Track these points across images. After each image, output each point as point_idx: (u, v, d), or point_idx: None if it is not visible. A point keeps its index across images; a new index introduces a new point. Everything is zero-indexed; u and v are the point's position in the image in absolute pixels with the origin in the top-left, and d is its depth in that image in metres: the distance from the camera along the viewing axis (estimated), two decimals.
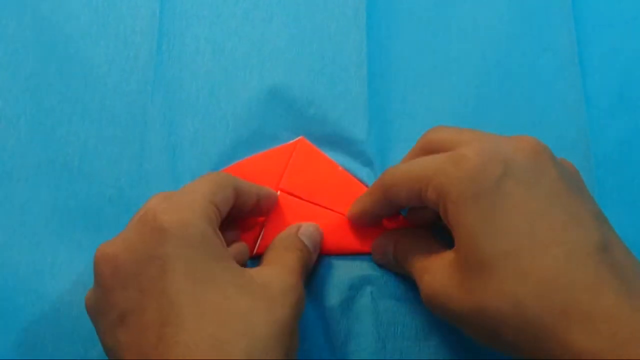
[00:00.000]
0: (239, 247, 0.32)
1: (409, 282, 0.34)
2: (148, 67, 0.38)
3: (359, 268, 0.34)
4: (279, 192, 0.35)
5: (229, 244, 0.31)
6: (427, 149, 0.30)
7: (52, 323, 0.33)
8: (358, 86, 0.38)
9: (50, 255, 0.34)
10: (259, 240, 0.34)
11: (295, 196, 0.35)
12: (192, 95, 0.38)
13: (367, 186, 0.36)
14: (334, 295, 0.34)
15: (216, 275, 0.25)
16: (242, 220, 0.34)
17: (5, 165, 0.36)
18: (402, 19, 0.40)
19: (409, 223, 0.34)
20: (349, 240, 0.35)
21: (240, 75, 0.38)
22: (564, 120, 0.37)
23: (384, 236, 0.33)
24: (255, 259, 0.34)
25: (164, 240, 0.25)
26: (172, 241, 0.25)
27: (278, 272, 0.28)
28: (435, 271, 0.28)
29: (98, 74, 0.38)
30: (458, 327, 0.28)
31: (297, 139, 0.37)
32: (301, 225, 0.33)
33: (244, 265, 0.32)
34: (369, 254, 0.34)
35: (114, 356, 0.26)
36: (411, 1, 0.40)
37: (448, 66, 0.39)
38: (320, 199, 0.35)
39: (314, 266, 0.34)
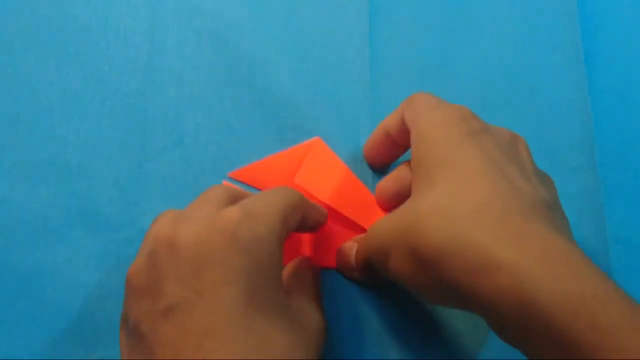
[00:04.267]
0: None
1: None
2: (148, 67, 0.38)
3: None
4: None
5: None
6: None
7: (52, 327, 0.32)
8: (361, 90, 0.38)
9: (50, 256, 0.34)
10: None
11: (308, 192, 0.34)
12: (194, 94, 0.37)
13: (373, 194, 0.35)
14: (338, 299, 0.33)
15: (271, 302, 0.24)
16: None
17: (5, 164, 0.35)
18: (405, 21, 0.40)
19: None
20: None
21: (244, 76, 0.38)
22: (569, 120, 0.38)
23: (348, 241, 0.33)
24: None
25: (235, 249, 0.24)
26: (242, 252, 0.24)
27: (311, 308, 0.28)
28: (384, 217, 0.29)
29: (98, 74, 0.37)
30: (387, 270, 0.27)
31: (313, 138, 0.37)
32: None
33: None
34: None
35: (142, 342, 0.24)
36: (414, 3, 0.40)
37: (452, 67, 0.39)
38: (331, 200, 0.35)
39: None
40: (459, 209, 0.24)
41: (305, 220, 0.30)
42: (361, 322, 0.33)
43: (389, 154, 0.34)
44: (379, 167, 0.36)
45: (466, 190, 0.25)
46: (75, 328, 0.32)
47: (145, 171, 0.36)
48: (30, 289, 0.33)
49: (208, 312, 0.23)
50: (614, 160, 0.37)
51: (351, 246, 0.33)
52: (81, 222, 0.34)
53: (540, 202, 0.25)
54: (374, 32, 0.39)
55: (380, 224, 0.28)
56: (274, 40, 0.39)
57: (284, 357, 0.23)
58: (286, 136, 0.37)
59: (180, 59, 0.38)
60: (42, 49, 0.38)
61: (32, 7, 0.39)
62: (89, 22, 0.39)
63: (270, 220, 0.26)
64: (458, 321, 0.33)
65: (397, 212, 0.27)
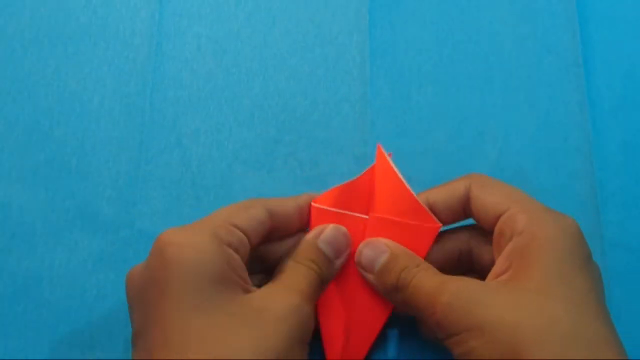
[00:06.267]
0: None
1: None
2: (147, 69, 0.38)
3: None
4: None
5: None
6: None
7: (50, 328, 0.33)
8: (360, 88, 0.38)
9: (48, 257, 0.34)
10: None
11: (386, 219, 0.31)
12: (192, 96, 0.37)
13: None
14: None
15: (209, 301, 0.25)
16: None
17: (3, 165, 0.35)
18: (405, 20, 0.40)
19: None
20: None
21: (243, 79, 0.38)
22: (567, 122, 0.38)
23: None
24: None
25: (165, 264, 0.25)
26: (172, 265, 0.25)
27: (280, 294, 0.27)
28: (471, 281, 0.27)
29: (97, 75, 0.38)
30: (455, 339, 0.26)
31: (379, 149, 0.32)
32: (323, 230, 0.30)
33: None
34: None
35: None
36: (414, 2, 0.40)
37: (451, 67, 0.39)
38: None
39: None
40: (578, 335, 0.25)
41: (278, 214, 0.29)
42: None
43: None
44: None
45: (584, 317, 0.25)
46: (73, 329, 0.33)
47: (144, 173, 0.36)
48: (29, 290, 0.33)
49: (156, 329, 0.25)
50: (611, 164, 0.37)
51: (384, 251, 0.30)
52: (79, 224, 0.34)
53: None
54: (374, 33, 0.39)
55: (462, 291, 0.27)
56: (273, 41, 0.39)
57: (228, 349, 0.24)
58: (283, 138, 0.37)
59: (179, 61, 0.38)
60: (41, 49, 0.38)
61: (32, 7, 0.39)
62: (89, 23, 0.39)
63: (207, 227, 0.27)
64: None
65: (494, 289, 0.27)
